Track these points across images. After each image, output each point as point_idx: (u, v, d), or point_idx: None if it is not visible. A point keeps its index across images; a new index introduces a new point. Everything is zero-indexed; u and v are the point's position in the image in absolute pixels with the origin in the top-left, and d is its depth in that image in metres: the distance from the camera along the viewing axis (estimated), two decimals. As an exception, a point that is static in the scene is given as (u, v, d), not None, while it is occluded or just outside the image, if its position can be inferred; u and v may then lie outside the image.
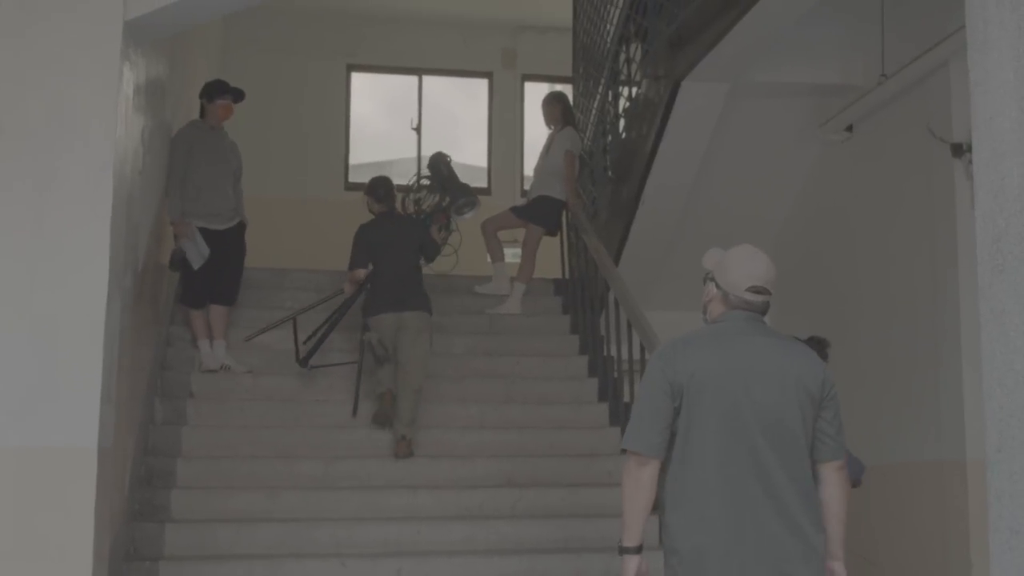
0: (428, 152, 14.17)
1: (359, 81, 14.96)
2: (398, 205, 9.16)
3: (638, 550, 4.43)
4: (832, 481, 4.46)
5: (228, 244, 8.62)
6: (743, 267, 4.51)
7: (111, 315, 5.19)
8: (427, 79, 15.03)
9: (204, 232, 8.43)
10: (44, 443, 4.94)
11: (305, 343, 8.56)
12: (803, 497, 4.34)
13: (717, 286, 4.57)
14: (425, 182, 10.01)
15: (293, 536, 7.24)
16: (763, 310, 4.55)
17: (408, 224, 9.03)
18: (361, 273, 8.46)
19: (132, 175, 5.85)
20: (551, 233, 10.36)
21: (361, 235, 8.60)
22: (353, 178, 14.40)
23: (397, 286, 8.33)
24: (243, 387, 8.53)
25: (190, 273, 8.43)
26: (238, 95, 8.90)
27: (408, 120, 14.89)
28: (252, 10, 6.00)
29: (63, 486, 4.99)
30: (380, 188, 8.79)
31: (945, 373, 7.51)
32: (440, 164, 10.00)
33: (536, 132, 13.34)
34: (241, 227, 8.83)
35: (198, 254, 8.30)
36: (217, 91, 8.81)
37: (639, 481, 4.39)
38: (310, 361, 8.50)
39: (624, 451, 4.53)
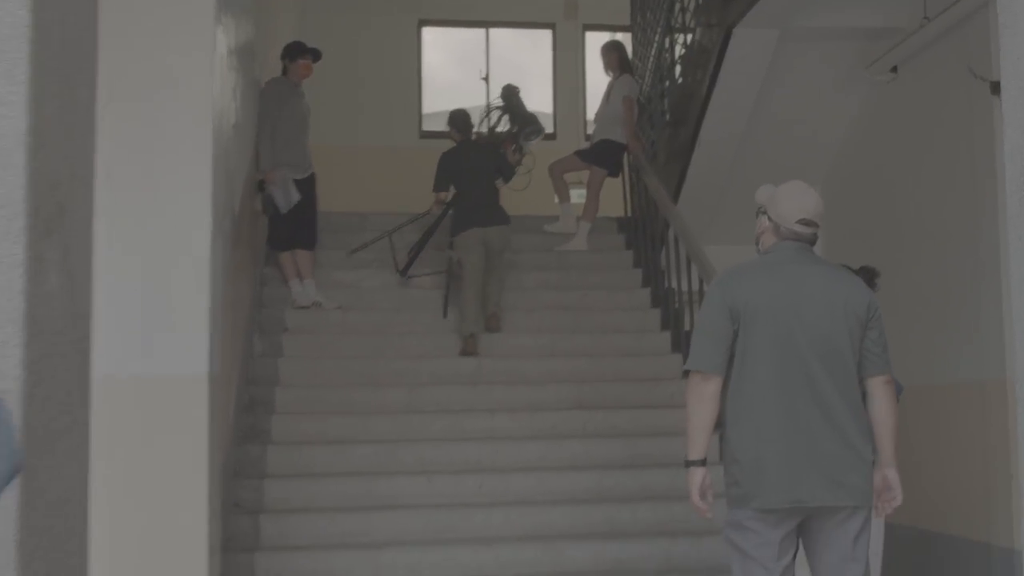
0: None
1: (430, 35, 15.00)
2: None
3: (703, 463, 4.56)
4: (880, 394, 4.57)
5: (305, 193, 8.79)
6: (793, 201, 4.60)
7: (215, 255, 5.39)
8: (493, 31, 15.05)
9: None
10: (161, 372, 5.16)
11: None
12: (852, 411, 4.45)
13: (769, 219, 4.67)
14: (496, 112, 10.36)
15: (382, 456, 7.45)
16: (812, 240, 4.64)
17: (485, 149, 9.51)
18: (444, 195, 9.00)
19: (227, 128, 6.02)
20: (613, 175, 10.42)
21: (443, 162, 9.10)
22: (426, 127, 14.51)
23: (479, 205, 8.83)
24: (333, 322, 8.72)
25: (276, 218, 8.62)
26: (316, 55, 9.06)
27: (477, 71, 14.94)
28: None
29: (180, 411, 5.21)
30: (459, 119, 9.33)
31: (986, 296, 7.53)
32: (510, 95, 10.40)
33: (597, 79, 13.35)
34: (313, 178, 9.00)
35: (286, 200, 8.48)
36: (298, 51, 8.97)
37: (702, 398, 4.51)
38: (408, 271, 9.04)
39: (686, 373, 4.67)
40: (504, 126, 10.38)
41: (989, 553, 7.34)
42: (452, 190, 9.00)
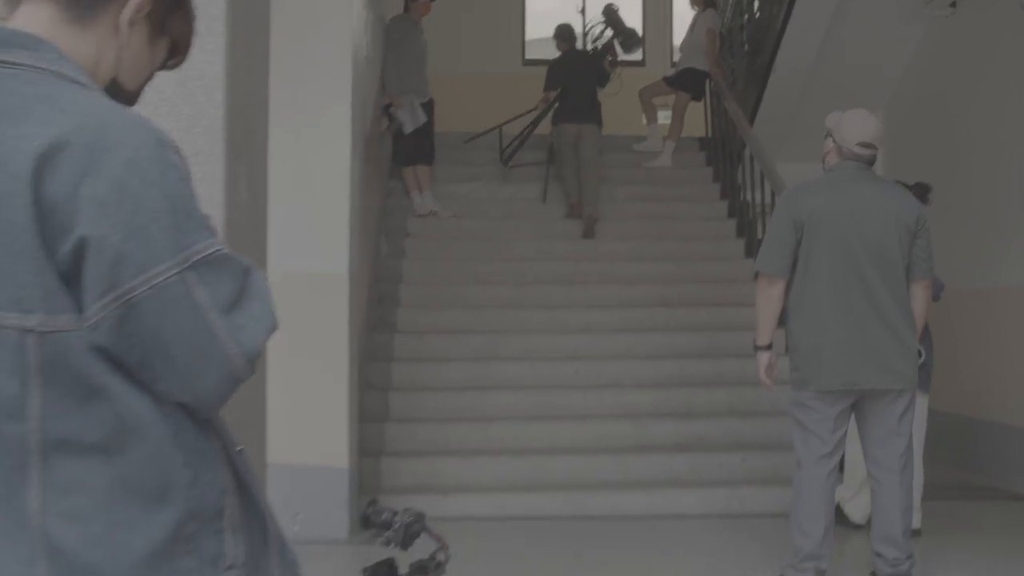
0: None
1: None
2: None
3: (768, 347, 4.80)
4: (918, 295, 4.73)
5: (427, 113, 8.97)
6: (855, 126, 4.72)
7: (354, 168, 5.68)
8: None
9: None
10: (310, 269, 5.47)
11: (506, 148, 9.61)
12: (900, 308, 4.62)
13: (834, 141, 4.79)
14: (599, 27, 10.58)
15: (492, 344, 7.70)
16: (870, 161, 4.77)
17: (586, 57, 9.99)
18: (549, 95, 9.46)
19: (362, 60, 6.26)
20: (696, 99, 10.46)
21: (551, 67, 9.67)
22: (529, 55, 14.55)
23: (577, 105, 9.28)
24: (448, 228, 8.94)
25: (400, 137, 8.84)
26: None
27: (574, 3, 14.90)
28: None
29: (323, 303, 5.53)
30: (564, 32, 9.85)
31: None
32: (611, 11, 10.61)
33: (682, 11, 13.30)
34: (431, 102, 9.14)
35: (413, 121, 8.69)
36: None
37: (769, 295, 4.73)
38: (511, 161, 9.60)
39: (756, 274, 4.89)
40: (603, 39, 10.55)
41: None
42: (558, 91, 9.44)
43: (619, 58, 10.26)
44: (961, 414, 8.09)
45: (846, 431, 4.71)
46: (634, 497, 6.51)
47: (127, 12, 1.54)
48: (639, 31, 14.55)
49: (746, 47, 10.68)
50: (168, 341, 1.38)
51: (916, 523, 5.49)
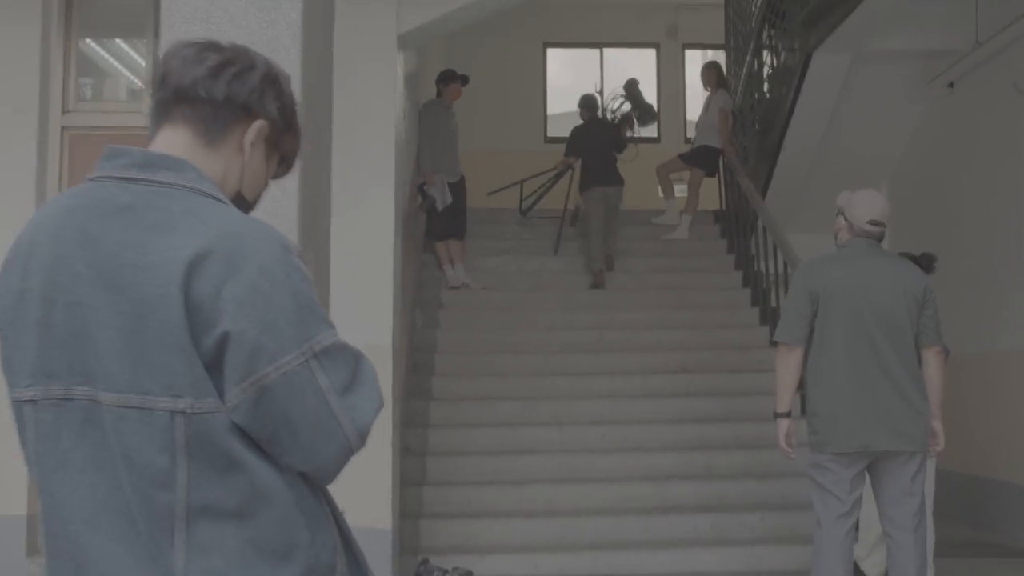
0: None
1: (553, 54, 15.31)
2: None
3: (788, 415, 4.92)
4: (931, 361, 4.85)
5: (456, 192, 9.17)
6: (865, 205, 4.87)
7: (396, 246, 5.85)
8: (607, 50, 15.27)
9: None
10: (354, 341, 5.62)
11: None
12: (909, 374, 4.75)
13: (845, 219, 4.94)
14: (620, 100, 11.25)
15: (523, 410, 7.78)
16: (880, 237, 4.92)
17: (606, 125, 10.55)
18: (571, 160, 10.02)
19: (403, 145, 6.47)
20: (711, 175, 10.62)
21: (573, 133, 10.20)
22: (551, 132, 14.82)
23: (601, 169, 9.77)
24: (479, 300, 9.06)
25: (434, 213, 9.05)
26: (465, 80, 9.45)
27: (592, 84, 15.18)
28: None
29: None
30: (588, 101, 10.41)
31: (1029, 278, 7.68)
32: (631, 86, 11.27)
33: (695, 90, 13.54)
34: (463, 180, 9.36)
35: (442, 199, 8.91)
36: (450, 77, 9.34)
37: (787, 364, 4.86)
38: (529, 212, 10.20)
39: (775, 343, 5.03)
40: (622, 111, 11.21)
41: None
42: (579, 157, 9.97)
43: (635, 131, 10.85)
44: (970, 474, 8.14)
45: (862, 492, 4.81)
46: (658, 556, 6.57)
47: (250, 135, 1.74)
48: (655, 107, 14.94)
49: (757, 126, 10.86)
50: (295, 420, 1.56)
51: (930, 579, 5.57)
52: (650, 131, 14.62)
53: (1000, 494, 7.89)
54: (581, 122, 10.20)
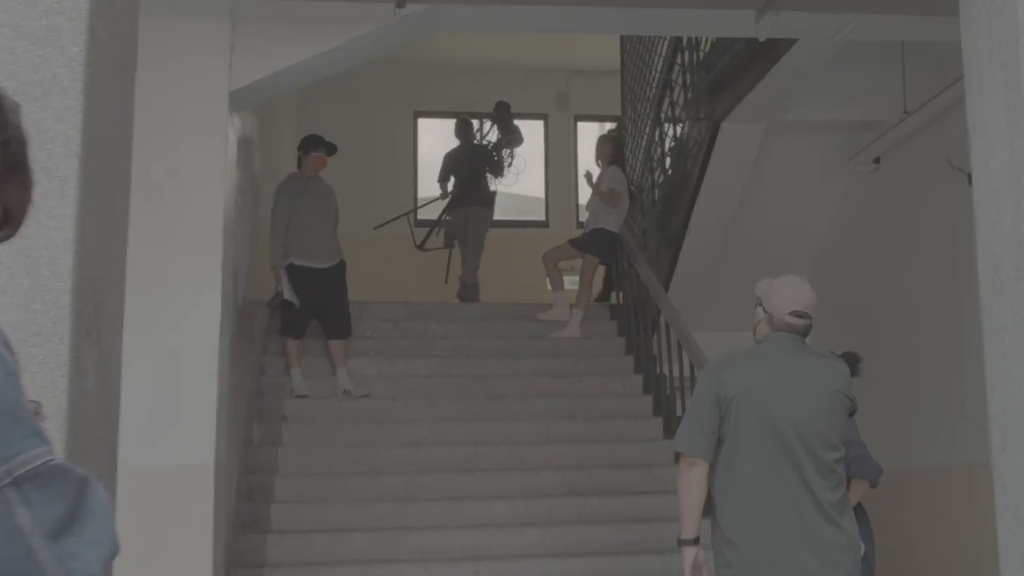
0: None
1: (425, 125, 15.29)
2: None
3: (695, 541, 4.74)
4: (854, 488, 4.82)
5: (332, 281, 8.99)
6: (786, 294, 4.80)
7: (223, 345, 5.61)
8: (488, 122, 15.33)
9: (309, 271, 8.80)
10: (168, 461, 5.35)
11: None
12: (838, 494, 4.64)
13: (764, 310, 4.87)
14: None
15: (381, 544, 7.50)
16: (804, 332, 4.83)
17: (478, 149, 12.67)
18: (445, 184, 12.19)
19: (234, 222, 6.25)
20: (606, 262, 10.63)
21: (446, 158, 12.31)
22: (423, 215, 14.73)
23: (469, 191, 11.88)
24: (331, 410, 8.82)
25: (292, 307, 8.83)
26: (331, 148, 9.32)
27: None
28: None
29: (185, 500, 5.39)
30: (460, 126, 12.50)
31: (971, 383, 7.72)
32: (500, 108, 13.25)
33: (588, 167, 13.58)
34: (342, 265, 9.19)
35: (292, 294, 8.70)
36: (312, 145, 9.22)
37: (690, 480, 4.70)
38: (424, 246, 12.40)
39: (677, 458, 4.87)
40: (495, 135, 13.38)
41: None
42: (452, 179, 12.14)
43: (510, 155, 13.10)
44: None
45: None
46: None
47: None
48: (542, 191, 15.09)
49: (658, 207, 10.92)
50: None
51: None
52: (537, 214, 14.69)
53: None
54: (456, 146, 12.24)
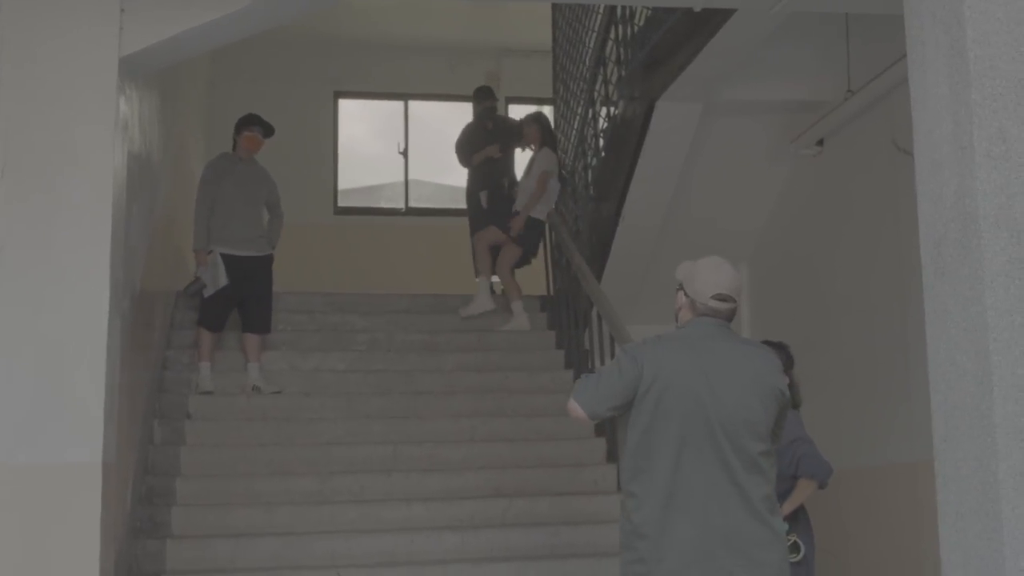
0: (415, 176, 14.47)
1: (347, 107, 15.11)
2: None
3: None
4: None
5: (255, 271, 8.89)
6: (709, 276, 4.73)
7: (112, 336, 5.41)
8: (413, 103, 15.18)
9: (229, 258, 8.69)
10: (50, 460, 5.15)
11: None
12: (765, 489, 4.55)
13: (686, 294, 4.79)
14: None
15: (291, 549, 7.38)
16: (728, 316, 4.74)
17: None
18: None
19: (128, 203, 6.06)
20: (529, 254, 10.52)
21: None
22: (342, 203, 14.55)
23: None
24: (238, 407, 8.70)
25: (211, 297, 8.67)
26: (267, 129, 9.16)
27: (395, 144, 15.03)
28: (239, 41, 6.22)
29: (69, 501, 5.19)
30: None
31: (915, 377, 7.71)
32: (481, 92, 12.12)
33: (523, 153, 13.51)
34: (269, 258, 9.07)
35: (213, 282, 8.54)
36: (244, 124, 9.11)
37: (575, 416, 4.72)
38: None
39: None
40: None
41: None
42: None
43: None
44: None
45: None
46: None
47: None
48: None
49: (591, 192, 10.83)
50: None
51: None
52: (463, 202, 14.57)
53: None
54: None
